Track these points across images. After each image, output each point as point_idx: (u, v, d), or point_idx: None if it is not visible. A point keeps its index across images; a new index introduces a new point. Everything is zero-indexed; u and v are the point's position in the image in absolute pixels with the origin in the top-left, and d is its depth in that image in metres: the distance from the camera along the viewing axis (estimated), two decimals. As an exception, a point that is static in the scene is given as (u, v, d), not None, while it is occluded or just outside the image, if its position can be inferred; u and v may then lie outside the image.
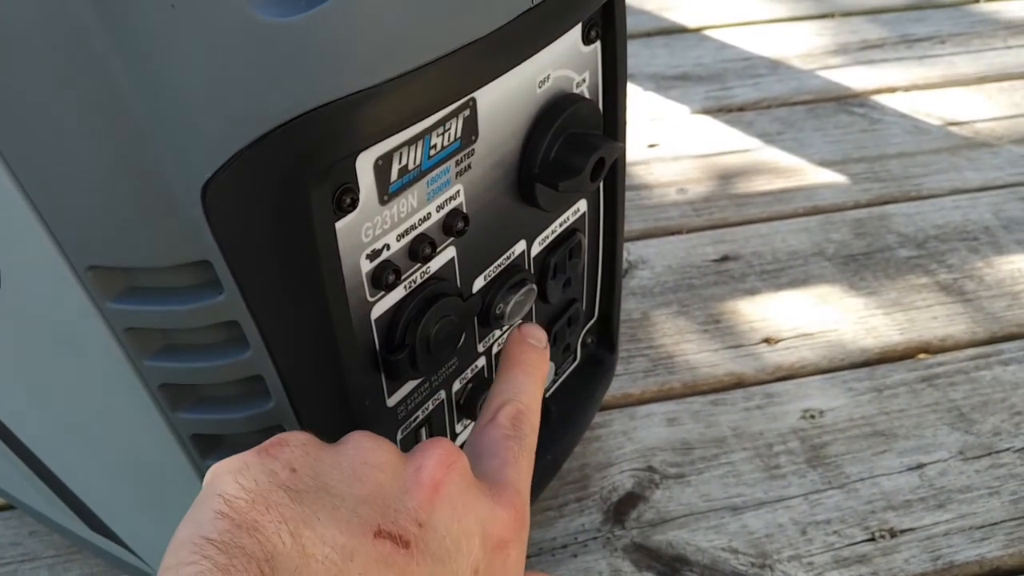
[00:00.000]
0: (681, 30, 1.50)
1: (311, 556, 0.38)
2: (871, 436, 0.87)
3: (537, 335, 0.56)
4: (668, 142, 1.24)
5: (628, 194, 1.07)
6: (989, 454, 0.85)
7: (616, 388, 0.92)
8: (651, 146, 1.24)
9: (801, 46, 1.45)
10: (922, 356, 0.95)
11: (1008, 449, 0.85)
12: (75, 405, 0.57)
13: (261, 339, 0.48)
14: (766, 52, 1.43)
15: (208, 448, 0.54)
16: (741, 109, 1.31)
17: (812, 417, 0.89)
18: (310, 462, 0.42)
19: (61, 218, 0.46)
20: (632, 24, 1.45)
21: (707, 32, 1.49)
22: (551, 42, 0.55)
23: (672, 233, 1.10)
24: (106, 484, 0.63)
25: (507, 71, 0.52)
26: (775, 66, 1.40)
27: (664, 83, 1.36)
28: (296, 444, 0.43)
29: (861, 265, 1.05)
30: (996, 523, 0.80)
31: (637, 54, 1.43)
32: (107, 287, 0.48)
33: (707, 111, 1.31)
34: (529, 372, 0.54)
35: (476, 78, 0.50)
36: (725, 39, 1.47)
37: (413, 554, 0.41)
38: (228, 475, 0.40)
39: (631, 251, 1.07)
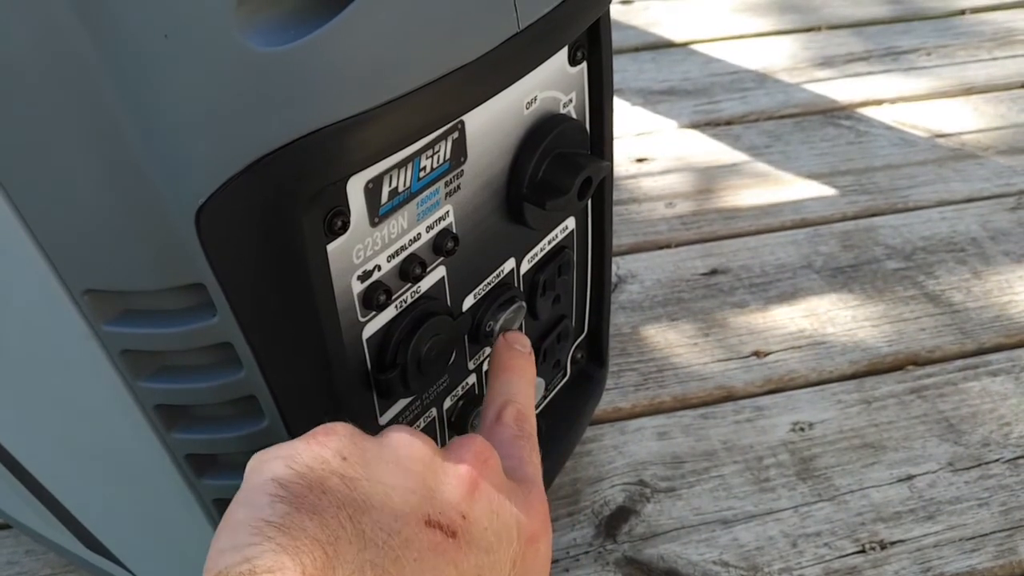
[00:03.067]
0: (668, 45, 1.51)
1: (370, 540, 0.40)
2: (860, 448, 0.88)
3: (522, 341, 0.59)
4: (656, 156, 1.25)
5: (617, 209, 1.08)
6: (978, 465, 0.86)
7: (607, 402, 0.92)
8: (639, 160, 1.24)
9: (788, 59, 1.46)
10: (910, 368, 0.95)
11: (997, 460, 0.86)
12: (70, 425, 0.58)
13: (254, 360, 0.49)
14: (753, 66, 1.44)
15: (202, 467, 0.55)
16: (729, 123, 1.32)
17: (801, 430, 0.89)
18: (358, 451, 0.43)
19: (58, 243, 0.47)
20: (620, 39, 1.46)
21: (694, 46, 1.50)
22: (537, 65, 0.55)
23: (661, 247, 1.11)
24: (101, 503, 0.64)
25: (495, 94, 0.53)
26: (762, 79, 1.41)
27: (652, 98, 1.37)
28: (344, 433, 0.44)
29: (849, 277, 1.06)
30: (986, 534, 0.80)
31: (625, 69, 1.44)
32: (103, 310, 0.49)
33: (695, 125, 1.31)
34: (521, 375, 0.57)
35: (464, 102, 0.51)
36: (712, 53, 1.48)
37: (460, 544, 0.43)
38: (278, 461, 0.42)
39: (620, 265, 1.08)
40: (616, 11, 1.59)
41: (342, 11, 0.42)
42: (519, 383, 0.56)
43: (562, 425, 0.78)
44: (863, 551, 0.79)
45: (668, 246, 1.11)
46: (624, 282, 1.06)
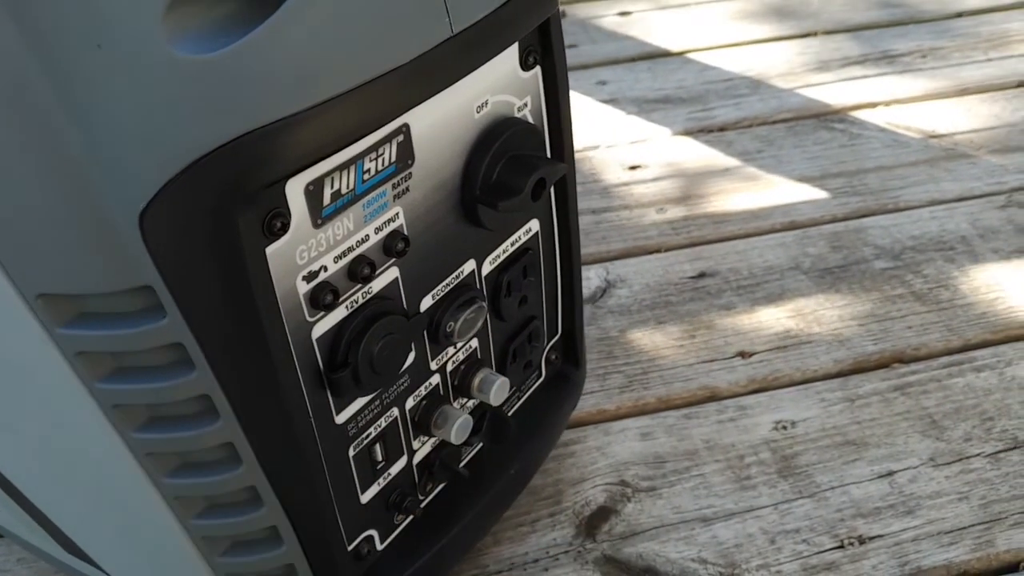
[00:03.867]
0: (664, 54, 1.52)
1: None
2: (842, 445, 0.88)
3: None
4: (649, 164, 1.26)
5: (608, 215, 1.10)
6: (959, 460, 0.86)
7: (592, 404, 0.93)
8: (632, 168, 1.26)
9: (783, 65, 1.47)
10: (896, 365, 0.96)
11: (978, 454, 0.87)
12: (37, 430, 0.59)
13: (205, 360, 0.50)
14: (748, 72, 1.45)
15: (164, 466, 0.56)
16: (722, 129, 1.33)
17: (784, 428, 0.90)
18: None
19: (10, 249, 0.48)
20: (617, 50, 1.48)
21: (690, 55, 1.51)
22: (475, 68, 0.57)
23: (651, 252, 1.12)
24: (75, 506, 0.65)
25: (431, 97, 0.54)
26: (756, 85, 1.42)
27: (647, 106, 1.38)
28: None
29: (837, 278, 1.06)
30: (964, 528, 0.81)
31: (621, 79, 1.45)
32: (57, 314, 0.50)
33: (688, 132, 1.32)
34: None
35: (399, 104, 0.52)
36: (708, 61, 1.49)
37: None
38: None
39: (610, 271, 1.09)
40: (614, 22, 1.61)
41: (268, 18, 0.44)
42: None
43: (537, 426, 0.79)
44: (841, 546, 0.80)
45: (658, 251, 1.12)
46: (613, 287, 1.07)
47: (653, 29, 1.59)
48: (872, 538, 0.81)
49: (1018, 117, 1.31)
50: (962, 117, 1.32)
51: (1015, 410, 0.90)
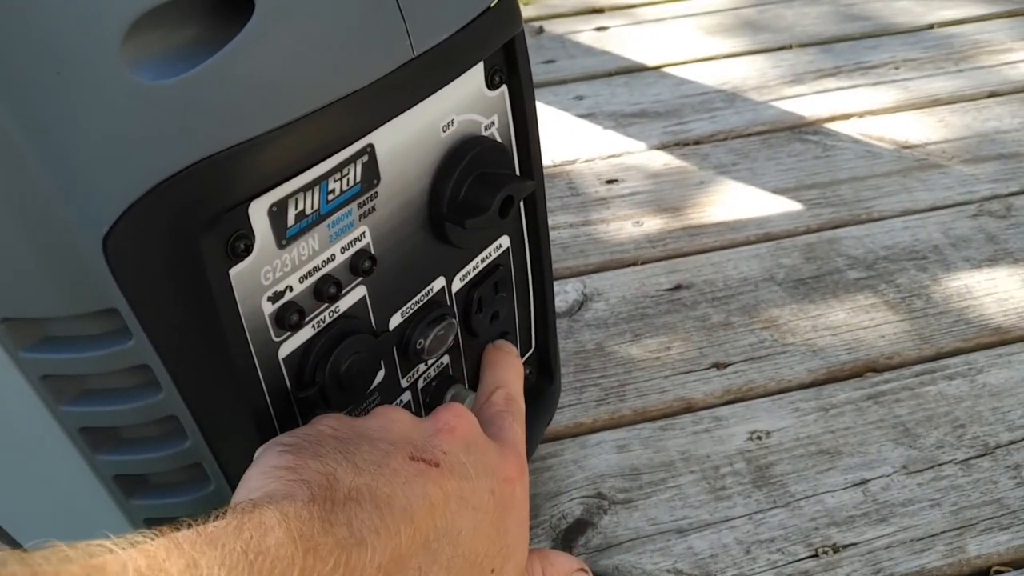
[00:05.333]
0: (641, 68, 1.53)
1: (363, 470, 0.48)
2: (816, 455, 0.89)
3: (507, 344, 0.72)
4: (626, 178, 1.27)
5: (586, 229, 1.10)
6: (932, 467, 0.87)
7: (569, 418, 0.94)
8: (609, 182, 1.26)
9: (758, 78, 1.48)
10: (869, 374, 0.97)
11: (950, 461, 0.87)
12: (6, 451, 0.59)
13: (172, 381, 0.51)
14: (723, 86, 1.46)
15: (132, 488, 0.57)
16: (697, 143, 1.34)
17: (759, 438, 0.91)
18: (347, 423, 0.53)
19: (-28, 275, 0.49)
20: (594, 65, 1.49)
21: (667, 69, 1.52)
22: (438, 89, 0.57)
23: (628, 265, 1.13)
24: (41, 528, 0.66)
25: (393, 118, 0.55)
26: (732, 99, 1.43)
27: (623, 121, 1.39)
28: (331, 416, 0.54)
29: (810, 288, 1.07)
30: (936, 534, 0.82)
31: (598, 94, 1.46)
32: (21, 337, 0.51)
33: (664, 146, 1.33)
34: (509, 367, 0.69)
35: (361, 126, 0.53)
36: (684, 75, 1.50)
37: (443, 471, 0.51)
38: (281, 435, 0.51)
39: (587, 284, 1.10)
40: (591, 37, 1.62)
41: (226, 45, 0.45)
42: (508, 373, 0.68)
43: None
44: (816, 555, 0.81)
45: (634, 263, 1.13)
46: (590, 300, 1.08)
47: (630, 44, 1.60)
48: (846, 546, 0.81)
49: (989, 127, 1.33)
50: (934, 128, 1.33)
51: (986, 417, 0.91)
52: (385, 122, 0.54)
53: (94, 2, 0.41)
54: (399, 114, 0.55)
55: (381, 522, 0.46)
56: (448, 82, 0.58)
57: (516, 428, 0.62)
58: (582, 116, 1.41)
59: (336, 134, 0.51)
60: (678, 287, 1.09)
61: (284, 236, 0.52)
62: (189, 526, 0.42)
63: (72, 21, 0.42)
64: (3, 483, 0.63)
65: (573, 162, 1.31)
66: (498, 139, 0.65)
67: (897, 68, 1.48)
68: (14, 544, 0.68)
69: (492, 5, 0.59)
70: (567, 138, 1.36)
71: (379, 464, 0.49)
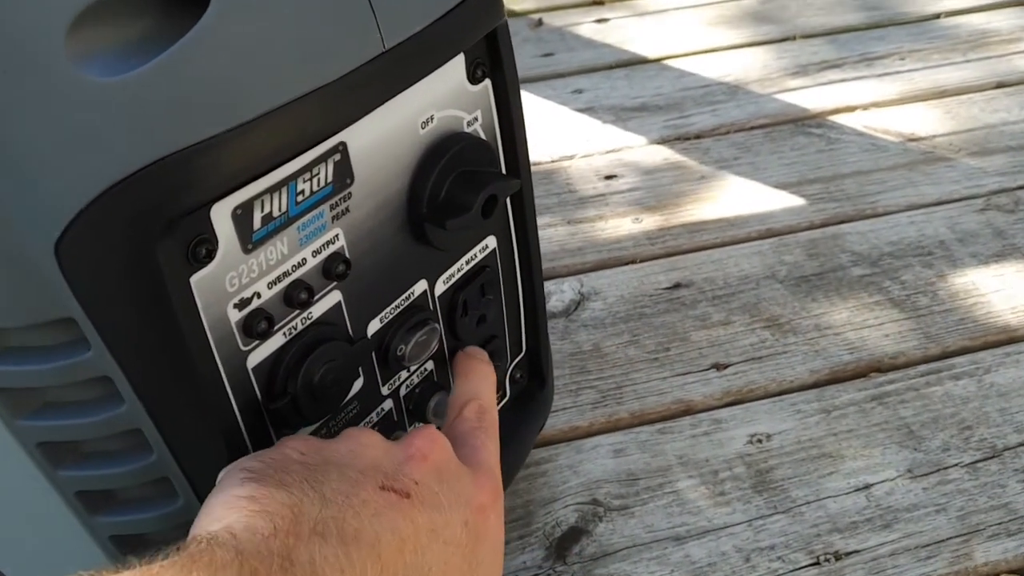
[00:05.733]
0: (642, 61, 1.50)
1: (330, 501, 0.45)
2: (818, 458, 0.86)
3: (478, 350, 0.68)
4: (625, 174, 1.24)
5: (583, 226, 1.08)
6: (937, 471, 0.85)
7: (564, 421, 0.91)
8: (608, 178, 1.24)
9: (761, 70, 1.45)
10: (873, 375, 0.94)
11: (956, 464, 0.85)
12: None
13: (134, 393, 0.49)
14: (726, 78, 1.43)
15: (96, 505, 0.54)
16: (699, 136, 1.31)
17: (759, 441, 0.88)
18: (314, 447, 0.50)
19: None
20: (594, 58, 1.46)
21: (668, 62, 1.49)
22: (413, 83, 0.55)
23: (626, 263, 1.10)
24: (4, 548, 0.63)
25: (364, 114, 0.52)
26: (734, 92, 1.40)
27: (623, 115, 1.36)
28: (300, 438, 0.52)
29: (813, 286, 1.05)
30: (942, 540, 0.79)
31: (598, 87, 1.43)
32: (-26, 349, 0.48)
33: (665, 140, 1.30)
34: (482, 376, 0.65)
35: (329, 123, 0.50)
36: (686, 67, 1.47)
37: (414, 503, 0.48)
38: (246, 459, 0.48)
39: (584, 283, 1.07)
40: (591, 30, 1.59)
41: (181, 38, 0.42)
42: (480, 384, 0.65)
43: (503, 446, 0.76)
44: (817, 563, 0.78)
45: (633, 261, 1.10)
46: (587, 300, 1.05)
47: (631, 36, 1.57)
48: (848, 554, 0.79)
49: (997, 118, 1.30)
50: (941, 120, 1.31)
51: (993, 418, 0.88)
52: (356, 119, 0.52)
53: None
54: (371, 110, 0.52)
55: (347, 559, 0.44)
56: (423, 76, 0.55)
57: (490, 447, 0.60)
58: (581, 110, 1.39)
59: (303, 132, 0.48)
60: (677, 285, 1.06)
61: (250, 240, 0.49)
62: (134, 565, 0.39)
63: (14, 17, 0.39)
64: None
65: (571, 157, 1.29)
66: (482, 136, 0.63)
67: (903, 59, 1.45)
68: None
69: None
70: (565, 133, 1.33)
71: (348, 495, 0.47)
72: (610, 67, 1.50)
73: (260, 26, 0.45)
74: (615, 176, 1.25)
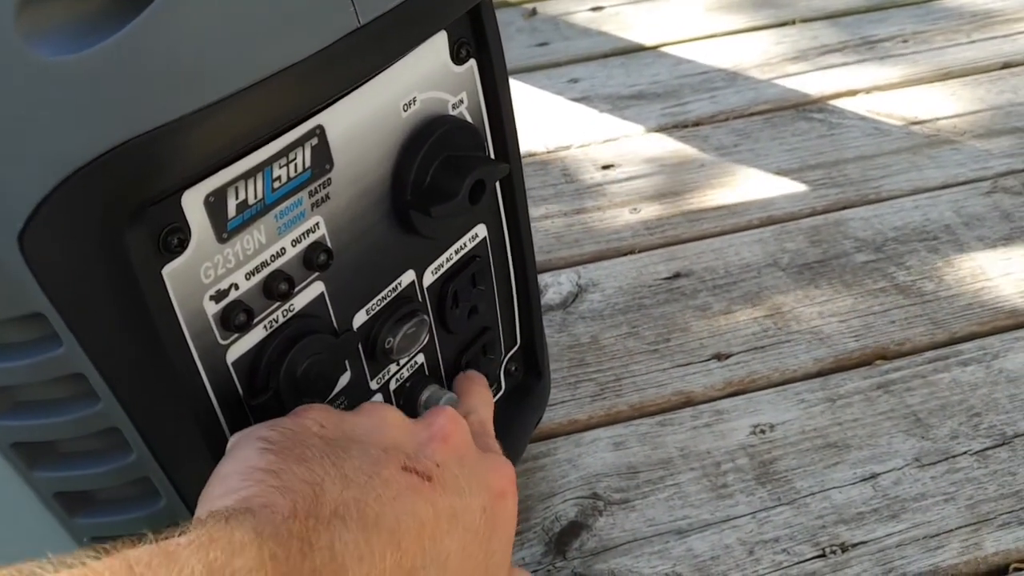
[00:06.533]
0: (638, 48, 1.48)
1: (352, 481, 0.44)
2: (823, 448, 0.84)
3: (480, 376, 0.69)
4: (622, 163, 1.22)
5: (581, 217, 1.06)
6: (945, 459, 0.83)
7: (563, 415, 0.89)
8: (605, 167, 1.22)
9: (759, 56, 1.43)
10: (879, 362, 0.92)
11: (965, 452, 0.83)
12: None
13: (109, 390, 0.47)
14: (724, 64, 1.41)
15: (75, 506, 0.52)
16: (697, 124, 1.29)
17: (762, 432, 0.86)
18: (334, 420, 0.49)
19: None
20: (590, 46, 1.44)
21: (664, 49, 1.47)
22: (392, 62, 0.53)
23: (624, 254, 1.08)
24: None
25: (341, 93, 0.50)
26: (732, 78, 1.38)
27: (620, 103, 1.34)
28: (319, 408, 0.50)
29: (816, 273, 1.02)
30: (951, 530, 0.77)
31: (593, 76, 1.41)
32: (-59, 349, 0.46)
33: (663, 128, 1.28)
34: (481, 399, 0.65)
35: (303, 103, 0.48)
36: (682, 54, 1.45)
37: (435, 486, 0.47)
38: (263, 427, 0.47)
39: (582, 275, 1.05)
40: (587, 17, 1.57)
41: (140, 14, 0.40)
42: (478, 402, 0.65)
43: (499, 439, 0.75)
44: (823, 555, 0.76)
45: (632, 252, 1.08)
46: (586, 291, 1.03)
47: (627, 23, 1.55)
48: (855, 545, 0.77)
49: (1003, 100, 1.27)
50: (945, 102, 1.28)
51: (1003, 404, 0.86)
52: (331, 98, 0.50)
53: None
54: (347, 89, 0.50)
55: (366, 546, 0.42)
56: (402, 54, 0.53)
57: (497, 448, 0.60)
58: (577, 100, 1.37)
59: (275, 112, 0.46)
60: (677, 275, 1.04)
61: (225, 229, 0.48)
62: (150, 540, 0.37)
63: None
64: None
65: (568, 147, 1.26)
66: (468, 119, 0.61)
67: (906, 41, 1.43)
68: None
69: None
70: (562, 123, 1.31)
71: (369, 475, 0.45)
72: (606, 55, 1.48)
73: (223, 1, 0.42)
74: (612, 166, 1.23)
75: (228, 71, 0.43)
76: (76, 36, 0.39)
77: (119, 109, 0.41)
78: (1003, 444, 0.83)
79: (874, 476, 0.82)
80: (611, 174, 1.21)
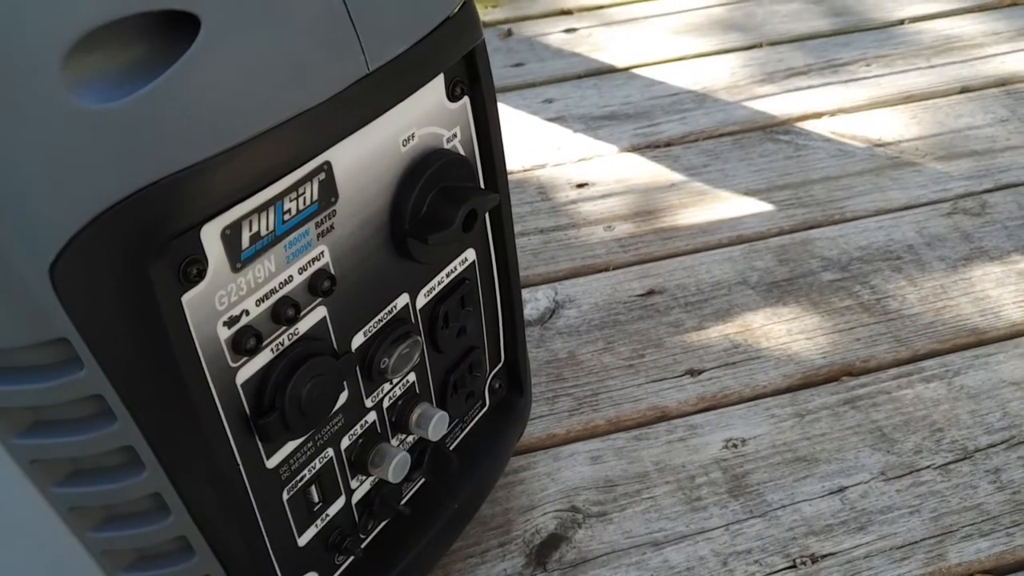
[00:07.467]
0: (611, 70, 1.51)
1: None
2: (793, 462, 0.88)
3: None
4: (596, 181, 1.25)
5: (556, 234, 1.09)
6: (910, 472, 0.86)
7: (541, 429, 0.92)
8: (579, 186, 1.25)
9: (728, 78, 1.46)
10: (845, 378, 0.95)
11: (929, 466, 0.86)
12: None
13: (126, 410, 0.49)
14: (694, 86, 1.45)
15: (89, 521, 0.55)
16: (668, 144, 1.32)
17: (735, 446, 0.89)
18: None
19: (-80, 306, 0.47)
20: (563, 67, 1.48)
21: (636, 71, 1.50)
22: (395, 104, 0.56)
23: (599, 271, 1.11)
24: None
25: (349, 135, 0.53)
26: (702, 99, 1.41)
27: (593, 123, 1.38)
28: None
29: (784, 291, 1.06)
30: (916, 542, 0.80)
31: (567, 96, 1.45)
32: (-31, 369, 0.49)
33: (635, 148, 1.32)
34: None
35: (315, 144, 0.51)
36: (654, 76, 1.49)
37: None
38: None
39: (558, 291, 1.08)
40: (560, 39, 1.60)
41: (171, 66, 0.43)
42: None
43: (482, 456, 0.78)
44: (794, 566, 0.79)
45: (606, 269, 1.11)
46: (562, 307, 1.06)
47: (599, 46, 1.58)
48: (824, 556, 0.80)
49: (962, 123, 1.32)
50: (907, 125, 1.32)
51: (964, 420, 0.90)
52: (341, 140, 0.53)
53: (33, 25, 0.40)
54: (355, 131, 0.53)
55: None
56: (405, 97, 0.56)
57: None
58: (551, 119, 1.40)
59: (290, 154, 0.49)
60: (651, 292, 1.08)
61: (239, 259, 0.50)
62: None
63: (10, 44, 0.40)
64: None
65: (543, 166, 1.30)
66: (460, 152, 0.64)
67: (868, 65, 1.47)
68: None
69: (452, 15, 0.57)
70: (537, 142, 1.35)
71: None
72: (579, 76, 1.51)
73: (249, 52, 0.46)
74: (587, 184, 1.26)
75: (250, 116, 0.46)
76: (113, 86, 0.42)
77: (149, 152, 0.44)
78: (965, 459, 0.87)
79: (842, 489, 0.85)
80: (586, 192, 1.24)
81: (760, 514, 0.84)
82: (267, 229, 0.51)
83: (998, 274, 1.06)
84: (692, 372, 0.98)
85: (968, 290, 1.04)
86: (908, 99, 1.38)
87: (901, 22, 1.58)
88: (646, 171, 1.27)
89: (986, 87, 1.40)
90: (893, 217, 1.16)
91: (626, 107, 1.41)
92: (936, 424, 0.90)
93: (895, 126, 1.32)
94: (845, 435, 0.90)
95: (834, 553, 0.80)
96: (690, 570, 0.80)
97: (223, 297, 0.50)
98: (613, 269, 1.12)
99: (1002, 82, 1.41)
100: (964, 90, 1.39)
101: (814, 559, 0.80)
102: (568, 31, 1.64)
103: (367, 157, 0.56)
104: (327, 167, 0.54)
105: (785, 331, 1.01)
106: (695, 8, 1.68)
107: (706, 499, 0.85)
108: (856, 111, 1.36)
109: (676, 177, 1.26)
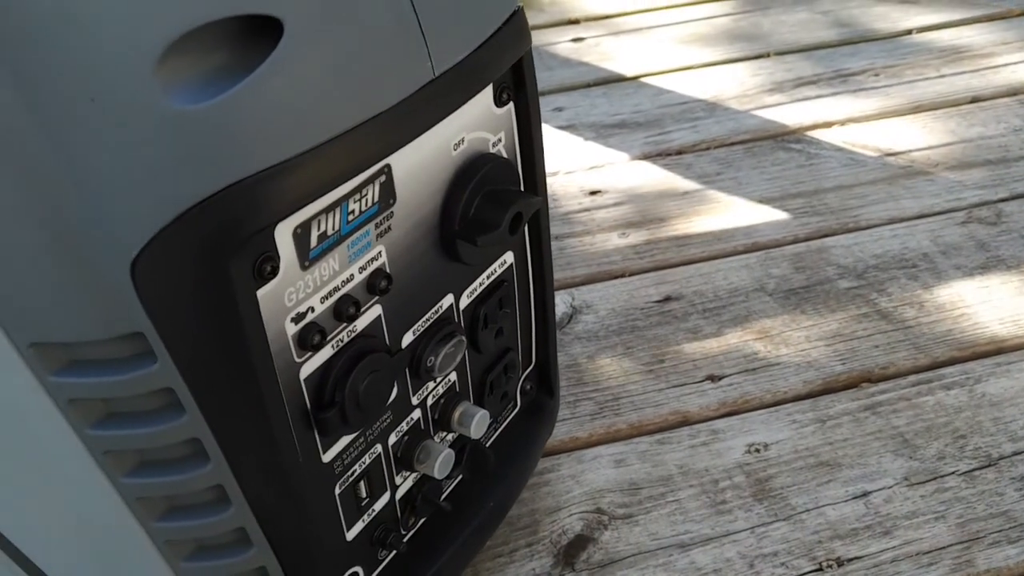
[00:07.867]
0: (619, 79, 1.53)
1: None
2: (816, 467, 0.89)
3: None
4: (609, 189, 1.27)
5: (571, 241, 1.10)
6: (934, 479, 0.87)
7: (564, 432, 0.93)
8: (593, 193, 1.26)
9: (737, 87, 1.48)
10: (864, 385, 0.97)
11: (953, 473, 0.87)
12: (26, 476, 0.58)
13: (195, 403, 0.50)
14: (703, 95, 1.46)
15: (154, 511, 0.56)
16: (680, 152, 1.34)
17: (757, 451, 0.90)
18: None
19: (1, 299, 0.48)
20: (572, 76, 1.49)
21: (645, 79, 1.52)
22: (455, 109, 0.57)
23: (615, 277, 1.12)
24: (64, 553, 0.64)
25: (415, 138, 0.54)
26: (712, 108, 1.43)
27: (604, 131, 1.39)
28: None
29: (802, 298, 1.07)
30: (943, 547, 0.81)
31: (577, 104, 1.46)
32: (48, 362, 0.50)
33: (647, 156, 1.33)
34: None
35: (384, 147, 0.52)
36: (663, 85, 1.50)
37: None
38: None
39: (576, 297, 1.09)
40: (568, 48, 1.61)
41: (255, 69, 0.44)
42: None
43: (514, 456, 0.79)
44: (820, 569, 0.80)
45: (622, 275, 1.12)
46: (580, 313, 1.07)
47: (607, 55, 1.60)
48: (850, 560, 0.81)
49: (973, 133, 1.33)
50: (918, 134, 1.34)
51: (987, 427, 0.91)
52: (406, 144, 0.54)
53: (130, 30, 0.41)
54: (419, 135, 0.54)
55: None
56: (465, 101, 0.57)
57: None
58: (562, 127, 1.41)
59: (360, 157, 0.51)
60: (668, 298, 1.09)
61: (307, 257, 0.51)
62: None
63: (108, 49, 0.41)
64: (25, 508, 0.62)
65: (555, 174, 1.31)
66: (504, 155, 0.65)
67: (877, 75, 1.48)
68: (35, 570, 0.67)
69: (509, 18, 0.58)
70: (548, 150, 1.34)
71: None
72: (588, 85, 1.53)
73: (328, 56, 0.47)
74: (600, 191, 1.27)
75: (326, 120, 0.47)
76: (202, 88, 0.43)
77: (233, 154, 0.45)
78: (989, 466, 0.88)
79: (866, 494, 0.86)
80: (599, 200, 1.25)
81: (785, 517, 0.85)
82: (333, 229, 0.52)
83: (1016, 283, 1.07)
84: (712, 377, 0.98)
85: (986, 299, 1.05)
86: (918, 109, 1.40)
87: (908, 32, 1.60)
88: (658, 179, 1.28)
89: (997, 96, 1.41)
90: (907, 226, 1.17)
91: (636, 115, 1.43)
92: (959, 431, 0.91)
93: (906, 136, 1.33)
94: (867, 441, 0.91)
95: (860, 557, 0.81)
96: (717, 571, 0.81)
97: (292, 294, 0.51)
98: (629, 275, 1.13)
99: (1014, 92, 1.42)
100: (974, 100, 1.41)
101: (840, 563, 0.81)
102: (576, 40, 1.65)
103: (422, 160, 0.57)
104: (387, 170, 0.55)
105: (804, 337, 1.02)
106: (701, 18, 1.69)
107: (731, 502, 0.86)
108: (867, 120, 1.38)
109: (689, 185, 1.27)
